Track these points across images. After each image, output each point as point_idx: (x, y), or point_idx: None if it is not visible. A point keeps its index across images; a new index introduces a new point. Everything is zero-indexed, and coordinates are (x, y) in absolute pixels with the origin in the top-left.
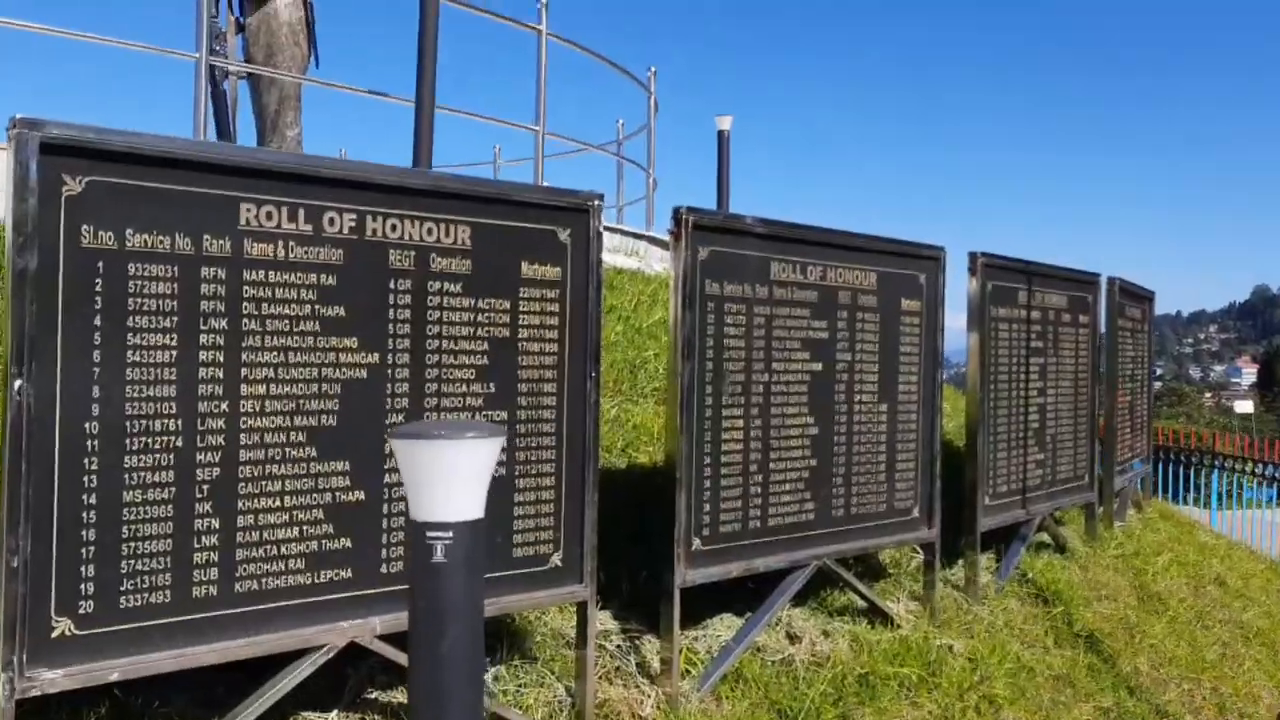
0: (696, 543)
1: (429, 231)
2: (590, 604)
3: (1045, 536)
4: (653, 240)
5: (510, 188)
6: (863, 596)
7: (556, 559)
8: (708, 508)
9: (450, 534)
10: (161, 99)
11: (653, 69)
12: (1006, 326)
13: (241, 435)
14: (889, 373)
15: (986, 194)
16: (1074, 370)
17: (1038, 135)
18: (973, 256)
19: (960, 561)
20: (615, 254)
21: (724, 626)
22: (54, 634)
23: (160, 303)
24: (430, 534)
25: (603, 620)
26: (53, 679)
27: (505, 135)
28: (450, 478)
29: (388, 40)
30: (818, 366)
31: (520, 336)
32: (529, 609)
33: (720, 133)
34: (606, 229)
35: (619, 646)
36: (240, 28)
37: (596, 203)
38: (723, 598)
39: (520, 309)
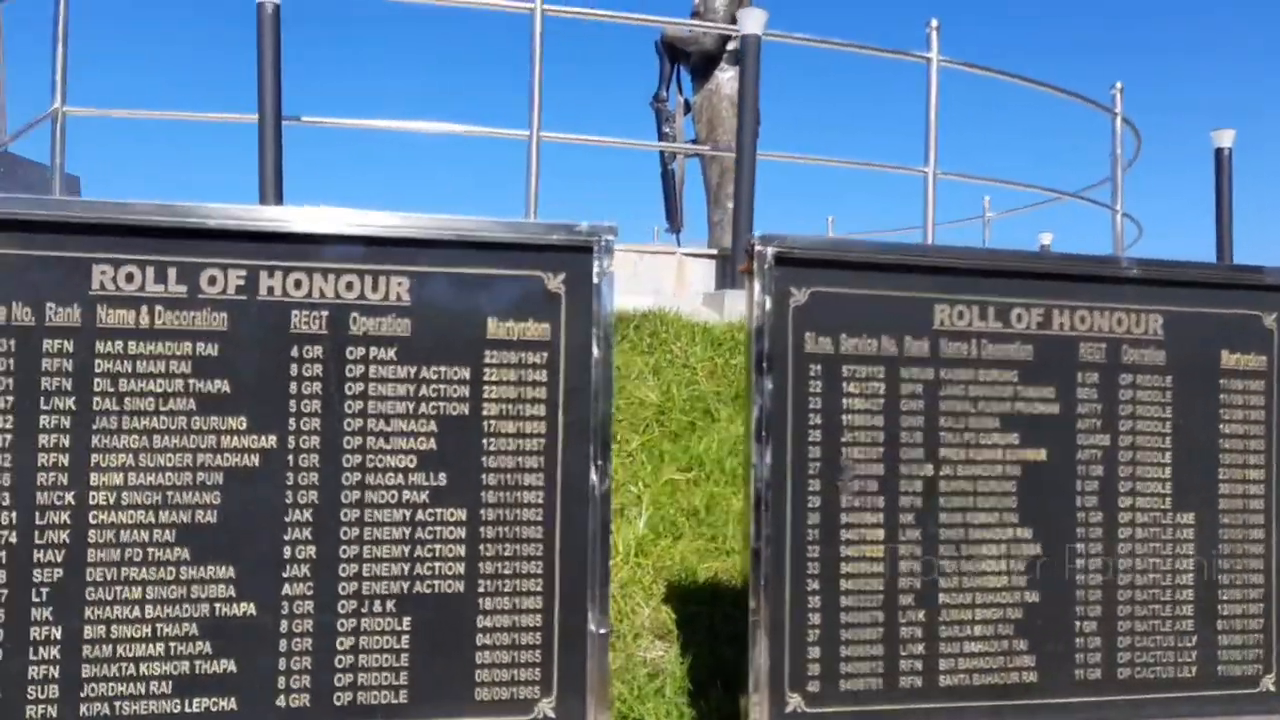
0: (795, 701)
1: (348, 286)
2: None
3: None
4: None
5: (475, 225)
6: None
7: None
8: (815, 652)
9: None
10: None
11: (1118, 85)
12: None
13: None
14: (1195, 463)
15: None
16: None
17: None
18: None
19: None
20: None
21: None
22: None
23: None
24: None
25: None
26: None
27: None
28: None
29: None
30: (1037, 455)
31: (486, 414)
32: None
33: (1218, 151)
34: None
35: None
36: (688, 108)
37: (606, 239)
38: None
39: (485, 378)
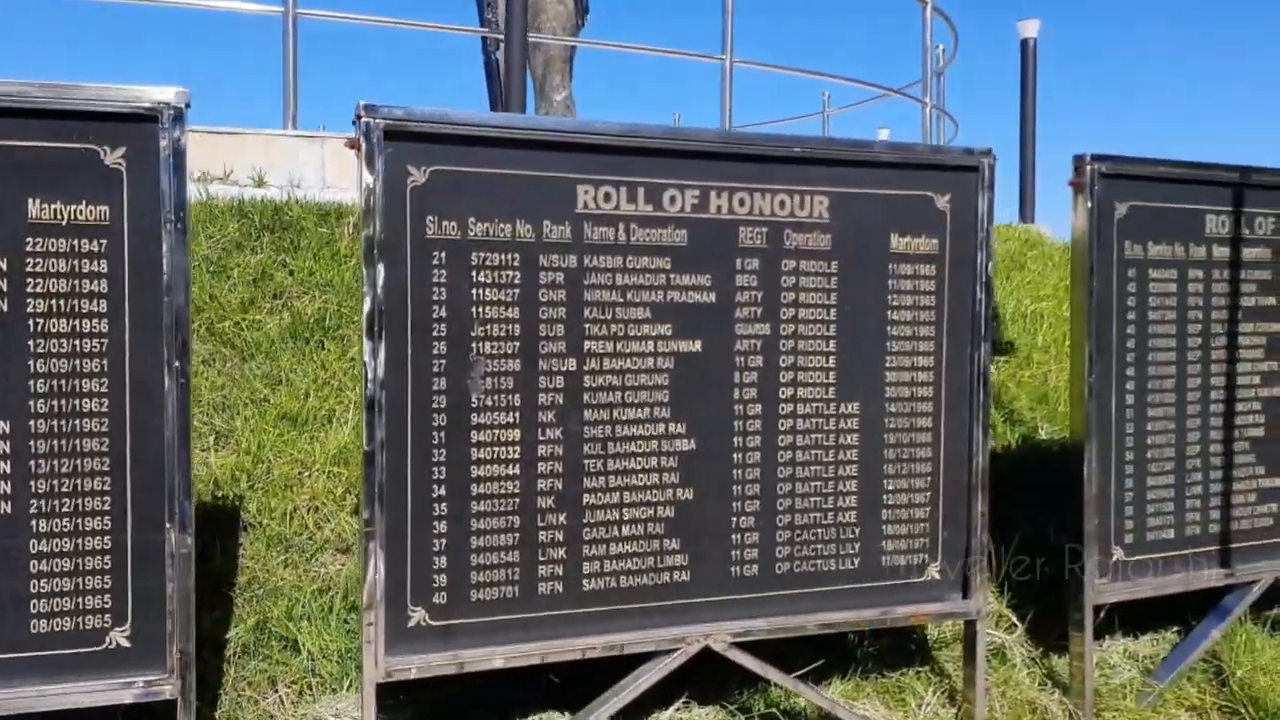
0: (418, 615)
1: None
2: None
3: None
4: None
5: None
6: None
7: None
8: (442, 562)
9: None
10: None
11: None
12: (1168, 273)
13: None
14: (861, 352)
15: None
16: None
17: None
18: (1079, 162)
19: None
20: None
21: None
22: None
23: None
24: None
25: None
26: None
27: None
28: None
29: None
30: (691, 346)
31: (32, 310)
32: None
33: (1024, 42)
34: None
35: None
36: None
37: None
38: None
39: (29, 269)
